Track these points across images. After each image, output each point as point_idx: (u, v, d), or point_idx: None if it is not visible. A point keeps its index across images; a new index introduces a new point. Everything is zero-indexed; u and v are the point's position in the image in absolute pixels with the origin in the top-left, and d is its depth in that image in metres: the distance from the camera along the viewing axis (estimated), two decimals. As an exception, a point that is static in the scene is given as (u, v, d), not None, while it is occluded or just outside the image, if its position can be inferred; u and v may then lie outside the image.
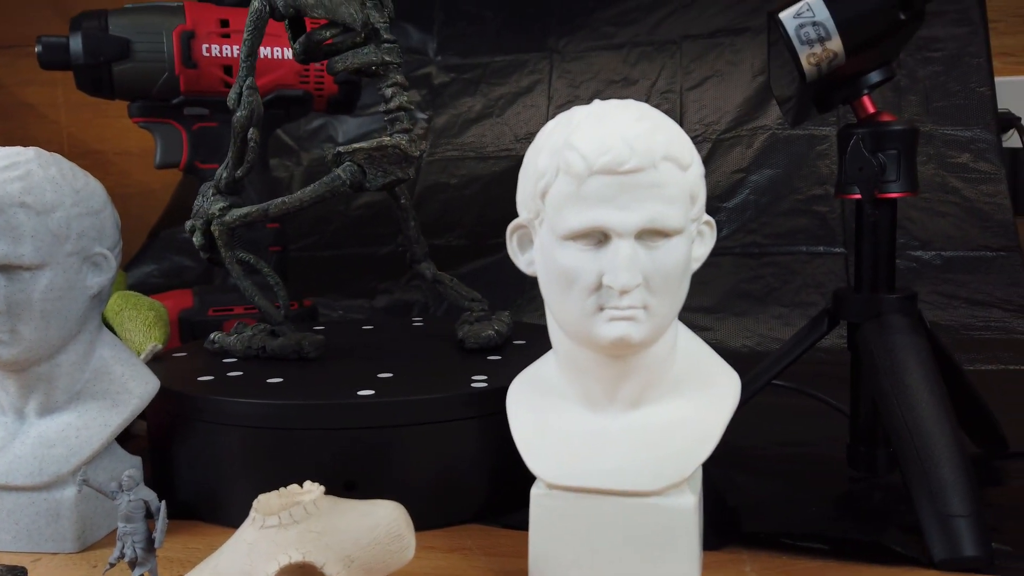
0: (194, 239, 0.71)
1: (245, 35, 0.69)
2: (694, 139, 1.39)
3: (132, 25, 0.97)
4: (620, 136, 0.47)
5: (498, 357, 0.75)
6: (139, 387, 0.64)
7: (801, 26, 0.55)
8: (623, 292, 0.47)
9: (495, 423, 0.63)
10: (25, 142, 1.97)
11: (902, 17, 0.54)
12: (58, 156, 0.62)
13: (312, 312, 1.10)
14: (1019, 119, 1.32)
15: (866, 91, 0.64)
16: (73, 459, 0.60)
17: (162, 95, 1.00)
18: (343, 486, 0.62)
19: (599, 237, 0.48)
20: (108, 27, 0.96)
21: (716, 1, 1.43)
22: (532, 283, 1.38)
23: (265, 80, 1.02)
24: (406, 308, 1.32)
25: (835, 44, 0.55)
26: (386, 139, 0.71)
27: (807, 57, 0.56)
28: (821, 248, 1.27)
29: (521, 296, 1.30)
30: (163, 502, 0.53)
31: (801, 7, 0.55)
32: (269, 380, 0.68)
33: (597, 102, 0.52)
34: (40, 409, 0.61)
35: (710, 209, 1.34)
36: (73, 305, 0.60)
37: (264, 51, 1.02)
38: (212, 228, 0.70)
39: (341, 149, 0.71)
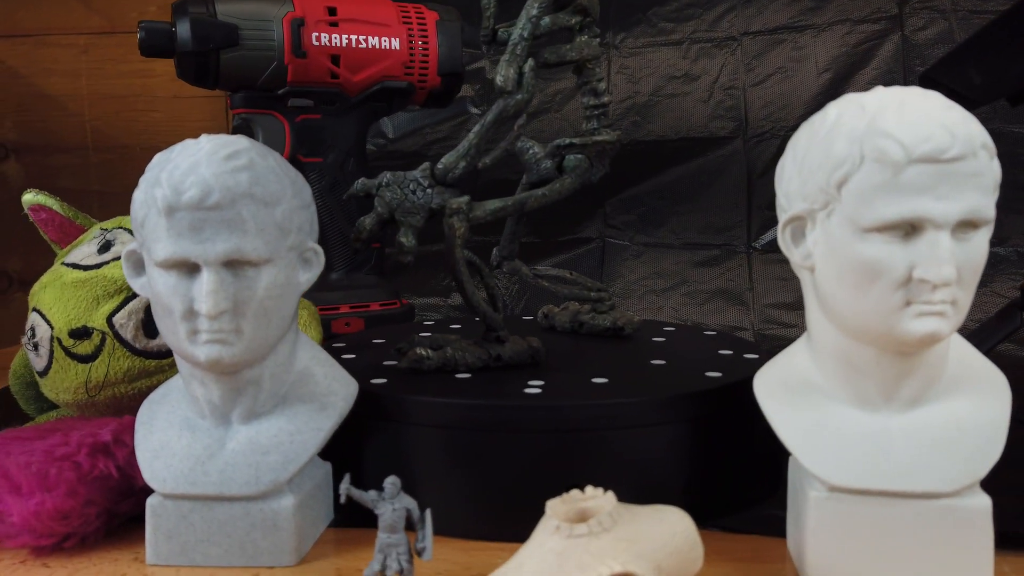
0: (403, 239, 0.65)
1: (533, 12, 0.65)
2: (761, 136, 1.39)
3: (241, 11, 0.93)
4: (939, 123, 0.46)
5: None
6: (342, 388, 0.61)
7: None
8: (938, 286, 0.46)
9: (699, 425, 0.63)
10: (46, 136, 1.89)
11: None
12: (264, 145, 0.58)
13: (410, 311, 1.07)
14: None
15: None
16: (290, 466, 0.56)
17: (268, 85, 0.96)
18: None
19: (907, 228, 0.47)
20: (216, 13, 0.92)
21: (775, -1, 1.42)
22: (607, 276, 1.36)
23: (372, 71, 0.99)
24: (483, 306, 1.29)
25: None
26: (613, 134, 0.69)
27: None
28: (898, 243, 1.28)
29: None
30: (428, 510, 0.50)
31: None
32: (459, 378, 0.66)
33: (881, 88, 0.50)
34: (246, 414, 0.58)
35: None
36: (288, 303, 0.57)
37: (372, 41, 0.98)
38: (456, 224, 0.65)
39: (576, 141, 0.69)
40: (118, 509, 0.60)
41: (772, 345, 1.13)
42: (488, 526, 0.60)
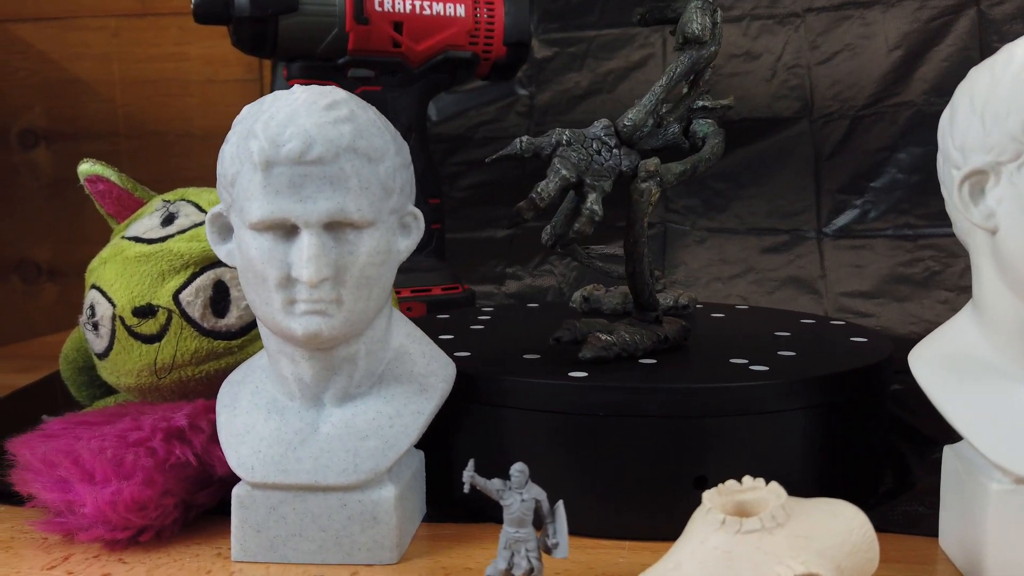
0: (595, 207, 0.57)
1: None
2: (828, 116, 1.32)
3: (301, -25, 0.87)
4: None
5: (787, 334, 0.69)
6: (442, 369, 0.55)
7: None
8: None
9: (832, 411, 0.57)
10: (75, 122, 1.83)
11: None
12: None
13: (471, 296, 1.01)
14: None
15: None
16: (391, 452, 0.51)
17: (327, 54, 0.90)
18: (693, 484, 0.53)
19: (1118, 182, 0.41)
20: (275, -24, 0.86)
21: (840, -27, 1.36)
22: (669, 263, 1.30)
23: (436, 39, 0.94)
24: (539, 294, 1.24)
25: None
26: (729, 98, 0.64)
27: None
28: (980, 229, 1.21)
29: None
30: (560, 502, 0.44)
31: None
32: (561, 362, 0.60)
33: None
34: (340, 395, 0.52)
35: (854, 188, 1.28)
36: (389, 272, 0.51)
37: (436, 7, 0.93)
38: (653, 189, 0.58)
39: (708, 104, 0.63)
40: (195, 500, 0.55)
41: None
42: (605, 522, 0.55)
